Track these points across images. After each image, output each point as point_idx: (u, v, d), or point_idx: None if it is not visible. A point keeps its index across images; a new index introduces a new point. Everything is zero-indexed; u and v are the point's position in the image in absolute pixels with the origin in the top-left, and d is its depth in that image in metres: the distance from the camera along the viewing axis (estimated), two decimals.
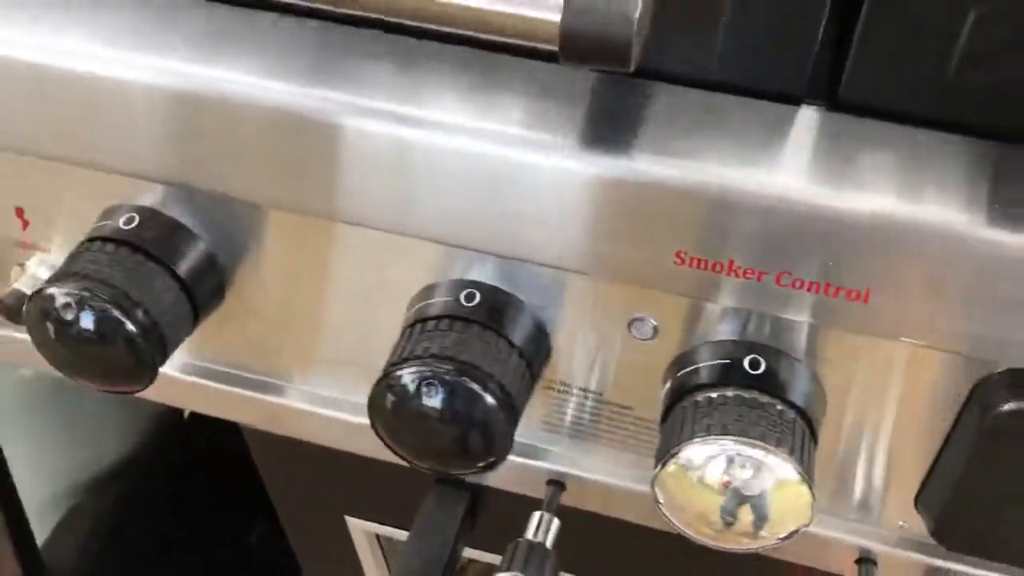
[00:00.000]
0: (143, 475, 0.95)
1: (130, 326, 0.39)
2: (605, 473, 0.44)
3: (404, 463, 0.39)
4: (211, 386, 0.48)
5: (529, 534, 0.43)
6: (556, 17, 0.28)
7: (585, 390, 0.42)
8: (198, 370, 0.48)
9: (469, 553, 0.51)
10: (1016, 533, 0.39)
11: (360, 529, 0.55)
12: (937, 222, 0.32)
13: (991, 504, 0.38)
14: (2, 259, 0.47)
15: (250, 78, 0.36)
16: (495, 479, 0.47)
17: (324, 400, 0.47)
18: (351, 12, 0.32)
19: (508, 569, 0.41)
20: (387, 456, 0.47)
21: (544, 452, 0.45)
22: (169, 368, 0.47)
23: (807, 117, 0.35)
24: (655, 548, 0.50)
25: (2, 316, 0.46)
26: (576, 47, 0.28)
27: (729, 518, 0.35)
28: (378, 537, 0.56)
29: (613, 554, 0.52)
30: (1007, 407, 0.34)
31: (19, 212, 0.45)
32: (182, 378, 0.48)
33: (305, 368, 0.46)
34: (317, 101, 0.35)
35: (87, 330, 0.39)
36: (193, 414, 1.06)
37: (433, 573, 0.48)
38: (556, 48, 0.29)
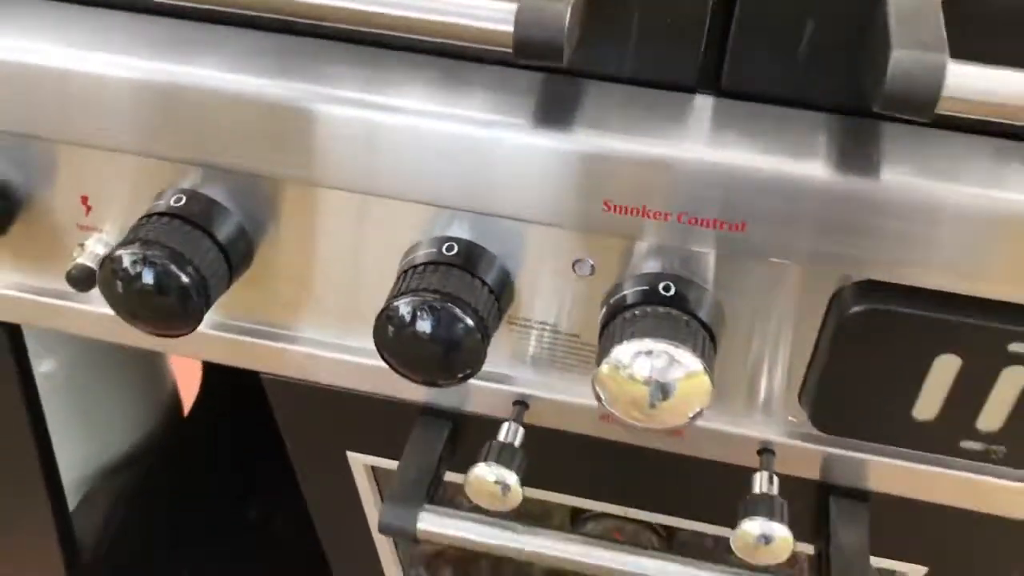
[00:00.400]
0: (149, 466, 1.05)
1: (184, 279, 0.50)
2: (561, 392, 0.56)
3: (402, 377, 0.50)
4: (235, 339, 0.59)
5: (500, 438, 0.54)
6: (510, 28, 0.40)
7: (542, 323, 0.53)
8: (224, 326, 0.59)
9: (451, 477, 0.62)
10: (876, 415, 0.50)
11: (359, 463, 0.66)
12: (793, 171, 0.44)
13: (852, 392, 0.50)
14: (65, 240, 0.57)
15: (260, 80, 0.47)
16: (471, 403, 0.58)
17: (331, 346, 0.58)
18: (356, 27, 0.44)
19: (484, 460, 0.52)
20: (384, 391, 0.58)
21: (511, 378, 0.56)
22: (202, 326, 0.57)
23: (700, 102, 0.47)
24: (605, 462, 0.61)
25: (69, 286, 0.56)
26: (524, 48, 0.40)
27: (651, 403, 0.47)
28: (373, 469, 0.66)
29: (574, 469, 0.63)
30: (854, 310, 0.46)
31: (84, 199, 0.55)
32: (212, 334, 0.59)
33: (316, 319, 0.57)
34: (319, 97, 0.47)
35: (148, 284, 0.50)
36: (192, 411, 1.15)
37: (419, 491, 0.59)
38: (511, 49, 0.40)
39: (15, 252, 0.60)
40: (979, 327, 0.46)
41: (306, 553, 0.87)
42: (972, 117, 0.39)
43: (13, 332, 0.68)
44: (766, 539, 0.50)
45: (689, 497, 0.63)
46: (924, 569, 0.61)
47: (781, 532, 0.50)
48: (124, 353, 1.00)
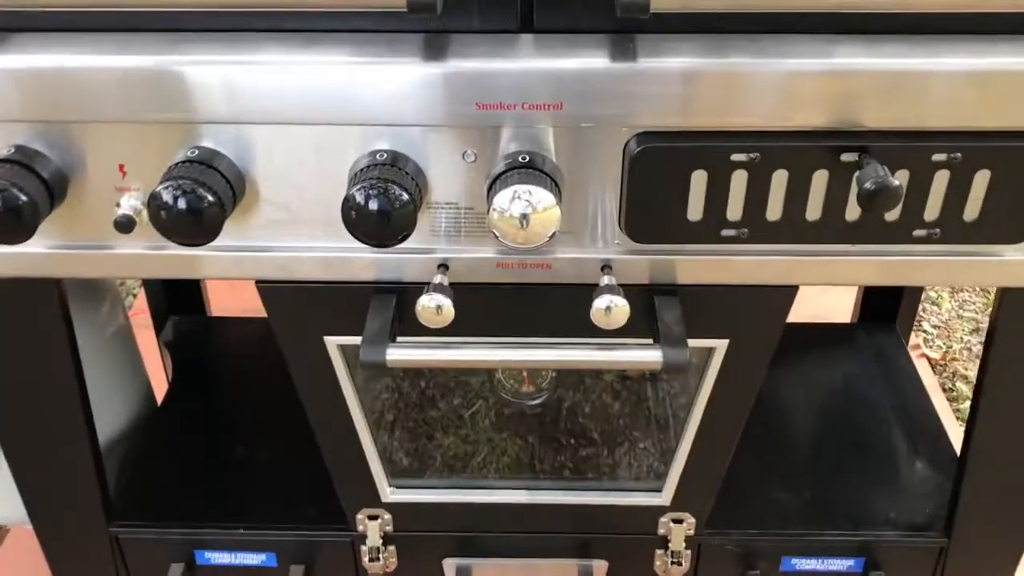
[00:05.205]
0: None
1: (211, 197, 0.75)
2: (469, 251, 0.82)
3: (360, 241, 0.76)
4: (237, 256, 0.84)
5: (435, 280, 0.80)
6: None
7: (448, 203, 0.80)
8: (230, 247, 0.83)
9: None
10: (666, 222, 0.79)
11: (333, 343, 0.91)
12: (576, 65, 0.73)
13: (648, 208, 0.78)
14: (106, 199, 0.81)
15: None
16: (408, 273, 0.84)
17: (302, 248, 0.83)
18: None
19: (425, 293, 0.78)
20: (345, 276, 0.83)
21: (432, 249, 0.83)
22: (209, 250, 0.82)
23: (524, 39, 0.75)
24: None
25: (117, 231, 0.80)
26: (414, 5, 0.68)
27: (524, 228, 0.74)
28: (342, 347, 0.92)
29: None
30: (636, 151, 0.75)
31: (121, 167, 0.80)
32: (220, 254, 0.83)
33: (290, 231, 0.83)
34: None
35: (182, 209, 0.75)
36: (165, 402, 1.37)
37: (383, 337, 0.84)
38: (405, 8, 0.68)
39: (62, 219, 0.83)
40: (713, 148, 0.75)
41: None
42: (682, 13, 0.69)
43: (59, 287, 0.91)
44: (609, 308, 0.78)
45: (559, 319, 0.89)
46: (726, 341, 0.90)
47: (619, 301, 0.78)
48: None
